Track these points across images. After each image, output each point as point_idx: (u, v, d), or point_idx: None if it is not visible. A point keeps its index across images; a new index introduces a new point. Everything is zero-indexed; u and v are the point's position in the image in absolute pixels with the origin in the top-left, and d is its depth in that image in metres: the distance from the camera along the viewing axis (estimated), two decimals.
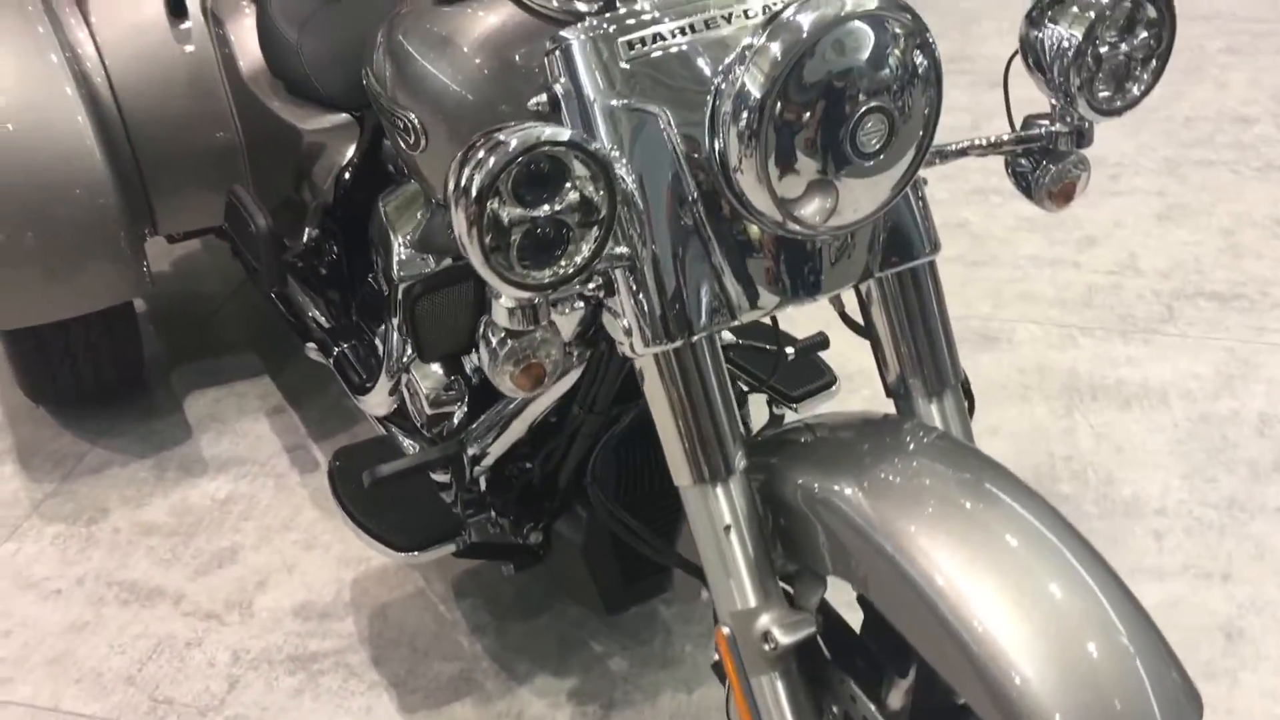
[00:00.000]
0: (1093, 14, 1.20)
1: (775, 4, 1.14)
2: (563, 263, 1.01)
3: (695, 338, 1.16)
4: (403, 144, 1.41)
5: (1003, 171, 1.36)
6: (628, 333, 1.16)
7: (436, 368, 1.72)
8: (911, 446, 1.19)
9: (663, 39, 1.11)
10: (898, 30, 1.08)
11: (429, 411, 1.70)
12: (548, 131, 0.96)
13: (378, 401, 1.83)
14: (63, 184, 1.97)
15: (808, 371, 1.94)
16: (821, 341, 1.84)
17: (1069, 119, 1.27)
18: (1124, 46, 1.25)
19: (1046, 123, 1.29)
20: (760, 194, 1.07)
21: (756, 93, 1.04)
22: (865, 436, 1.22)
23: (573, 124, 1.12)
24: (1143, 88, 1.27)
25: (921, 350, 1.30)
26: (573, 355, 1.35)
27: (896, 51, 1.08)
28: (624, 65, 1.11)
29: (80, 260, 2.00)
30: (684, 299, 1.15)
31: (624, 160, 1.11)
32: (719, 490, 1.19)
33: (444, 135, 1.35)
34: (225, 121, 2.17)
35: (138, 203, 2.13)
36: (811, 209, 1.10)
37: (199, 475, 2.20)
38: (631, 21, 1.12)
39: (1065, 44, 1.21)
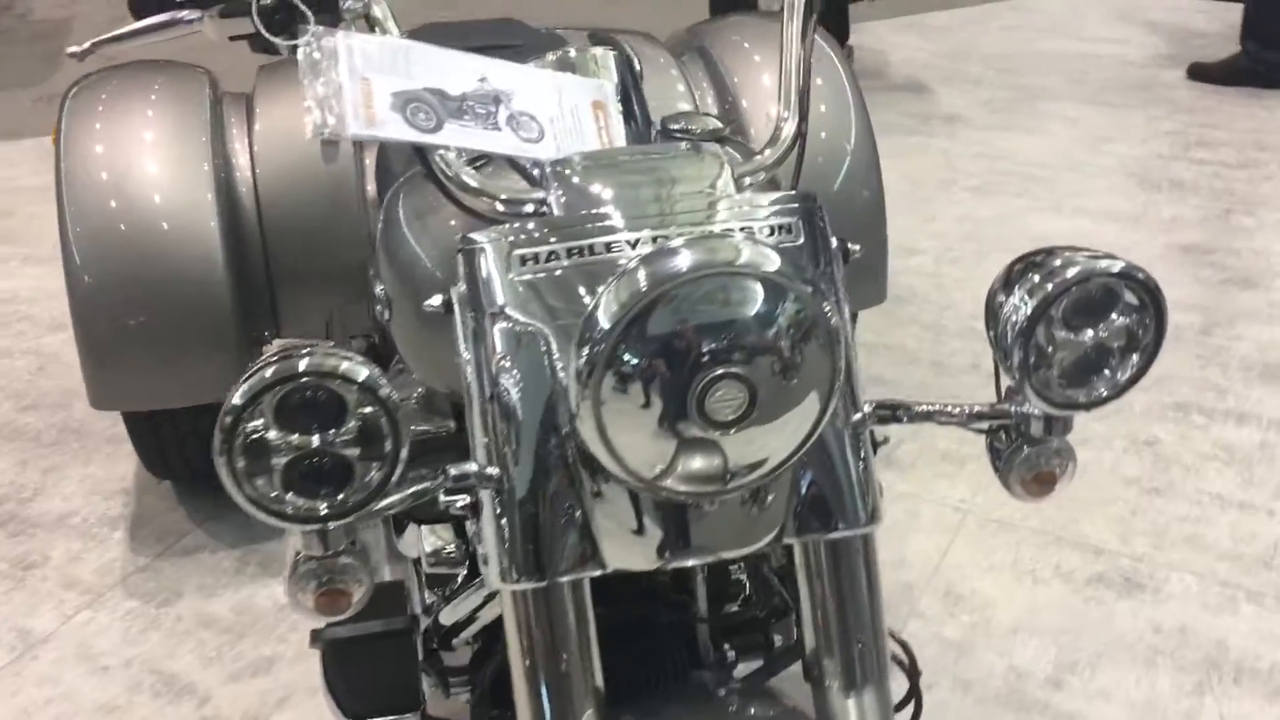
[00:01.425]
0: (1050, 286, 1.02)
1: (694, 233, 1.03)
2: (340, 496, 0.93)
3: (557, 581, 1.05)
4: (375, 311, 1.38)
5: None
6: (484, 561, 1.06)
7: (444, 528, 1.66)
8: None
9: (556, 257, 1.03)
10: (789, 296, 0.95)
11: (427, 571, 1.65)
12: (336, 364, 0.90)
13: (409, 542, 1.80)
14: (186, 282, 2.08)
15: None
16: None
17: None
18: (1091, 333, 1.05)
19: (1021, 399, 1.10)
20: (597, 445, 0.96)
21: (603, 326, 0.93)
22: None
23: (464, 330, 1.06)
24: (1115, 386, 1.06)
25: (845, 633, 1.13)
26: None
27: (781, 317, 0.95)
28: (514, 278, 1.03)
29: (194, 354, 2.10)
30: (549, 537, 1.04)
31: (512, 374, 1.03)
32: None
33: (401, 311, 1.31)
34: (359, 241, 2.23)
35: (258, 307, 2.21)
36: (656, 470, 0.97)
37: (274, 575, 2.23)
38: (538, 234, 1.04)
39: (1016, 318, 1.03)
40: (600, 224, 1.04)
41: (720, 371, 0.92)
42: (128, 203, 2.10)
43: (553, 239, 1.03)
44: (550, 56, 1.29)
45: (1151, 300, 1.04)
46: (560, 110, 1.21)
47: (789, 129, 1.21)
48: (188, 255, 2.09)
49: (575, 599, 1.08)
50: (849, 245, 1.16)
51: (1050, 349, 1.05)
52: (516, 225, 1.05)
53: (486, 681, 1.58)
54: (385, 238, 1.35)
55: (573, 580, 1.06)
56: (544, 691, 1.07)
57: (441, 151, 1.13)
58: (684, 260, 0.93)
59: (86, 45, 1.16)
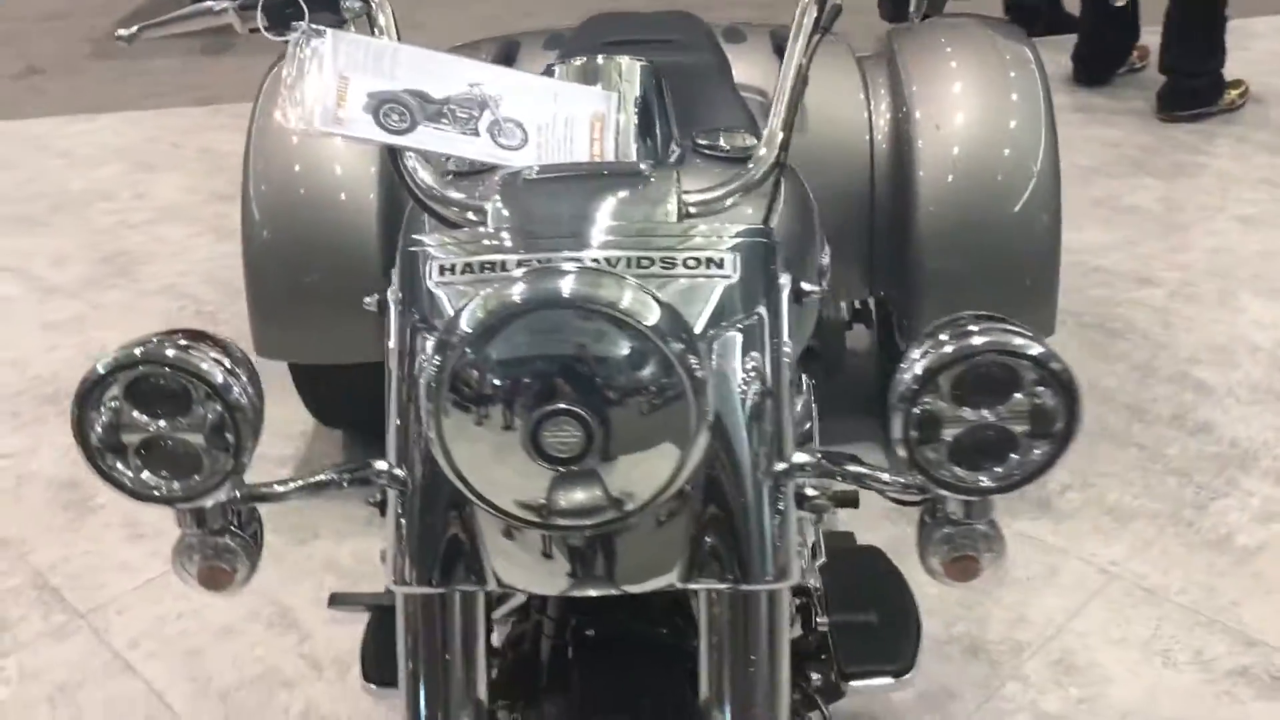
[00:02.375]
0: (939, 354, 0.92)
1: (605, 260, 1.00)
2: (196, 477, 0.97)
3: (447, 590, 1.06)
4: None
5: None
6: (383, 559, 1.08)
7: None
8: None
9: (470, 270, 1.02)
10: (643, 341, 0.90)
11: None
12: (180, 356, 0.93)
13: None
14: (352, 248, 2.19)
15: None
16: None
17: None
18: (988, 413, 0.93)
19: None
20: (443, 463, 0.95)
21: (452, 344, 0.92)
22: None
23: (398, 331, 1.07)
24: (1014, 476, 0.94)
25: (736, 691, 1.07)
26: None
27: (630, 361, 0.90)
28: (430, 286, 1.04)
29: (354, 315, 2.20)
30: (443, 546, 1.05)
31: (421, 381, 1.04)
32: None
33: None
34: None
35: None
36: (502, 497, 0.95)
37: None
38: (455, 245, 1.04)
39: (902, 384, 0.93)
40: (522, 241, 1.02)
41: (556, 406, 0.90)
42: (309, 170, 2.24)
43: (467, 251, 1.02)
44: (575, 63, 1.28)
45: (1062, 389, 0.92)
46: (553, 119, 1.20)
47: (764, 158, 1.14)
48: (355, 223, 2.21)
49: (465, 610, 1.08)
50: (803, 285, 1.09)
51: (940, 423, 0.94)
52: (451, 234, 1.06)
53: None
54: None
55: (464, 592, 1.07)
56: (422, 695, 1.08)
57: (411, 154, 1.15)
58: (533, 290, 0.90)
59: (134, 29, 1.26)
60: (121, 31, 1.26)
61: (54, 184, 4.20)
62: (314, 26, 1.15)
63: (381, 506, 1.08)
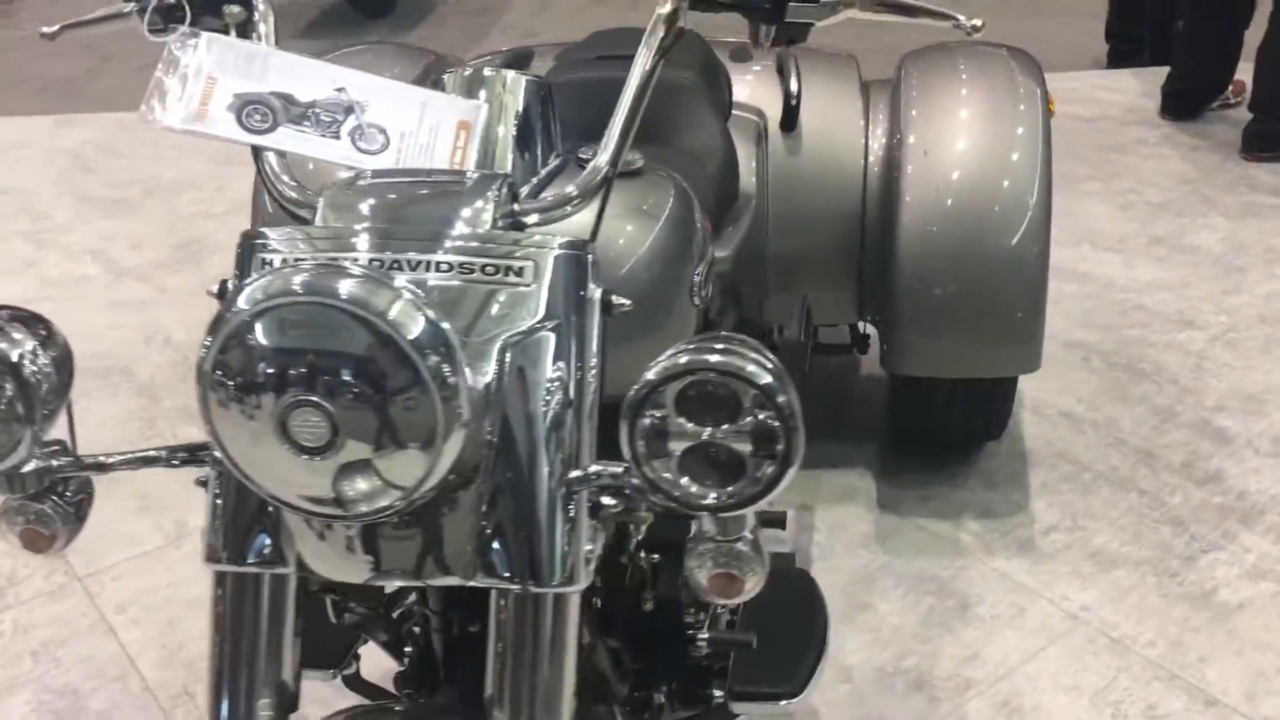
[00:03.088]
0: (666, 367, 0.93)
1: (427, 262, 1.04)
2: None
3: (255, 572, 1.11)
4: None
5: None
6: (204, 534, 1.14)
7: None
8: None
9: (286, 265, 1.07)
10: (391, 344, 0.93)
11: None
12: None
13: None
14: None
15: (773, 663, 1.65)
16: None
17: None
18: (714, 431, 0.93)
19: None
20: (217, 447, 1.00)
21: (217, 329, 0.96)
22: None
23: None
24: (746, 492, 0.94)
25: (517, 694, 1.10)
26: None
27: (377, 361, 0.94)
28: (252, 277, 1.09)
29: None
30: (252, 527, 1.10)
31: None
32: None
33: None
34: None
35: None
36: (268, 481, 0.99)
37: None
38: (273, 242, 1.09)
39: (631, 397, 0.95)
40: (335, 241, 1.07)
41: (300, 397, 0.94)
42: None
43: (287, 247, 1.07)
44: (462, 74, 1.31)
45: (779, 415, 0.92)
46: (418, 126, 1.24)
47: (594, 171, 1.16)
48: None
49: (274, 592, 1.13)
50: (614, 299, 1.11)
51: (667, 437, 0.95)
52: (284, 230, 1.11)
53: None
54: None
55: (273, 574, 1.12)
56: (225, 674, 1.13)
57: (270, 153, 1.21)
58: (296, 283, 0.94)
59: (57, 27, 1.35)
60: (45, 29, 1.36)
61: (150, 172, 4.43)
62: (192, 30, 1.22)
63: (204, 484, 1.13)
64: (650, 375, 0.95)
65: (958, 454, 2.50)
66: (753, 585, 1.05)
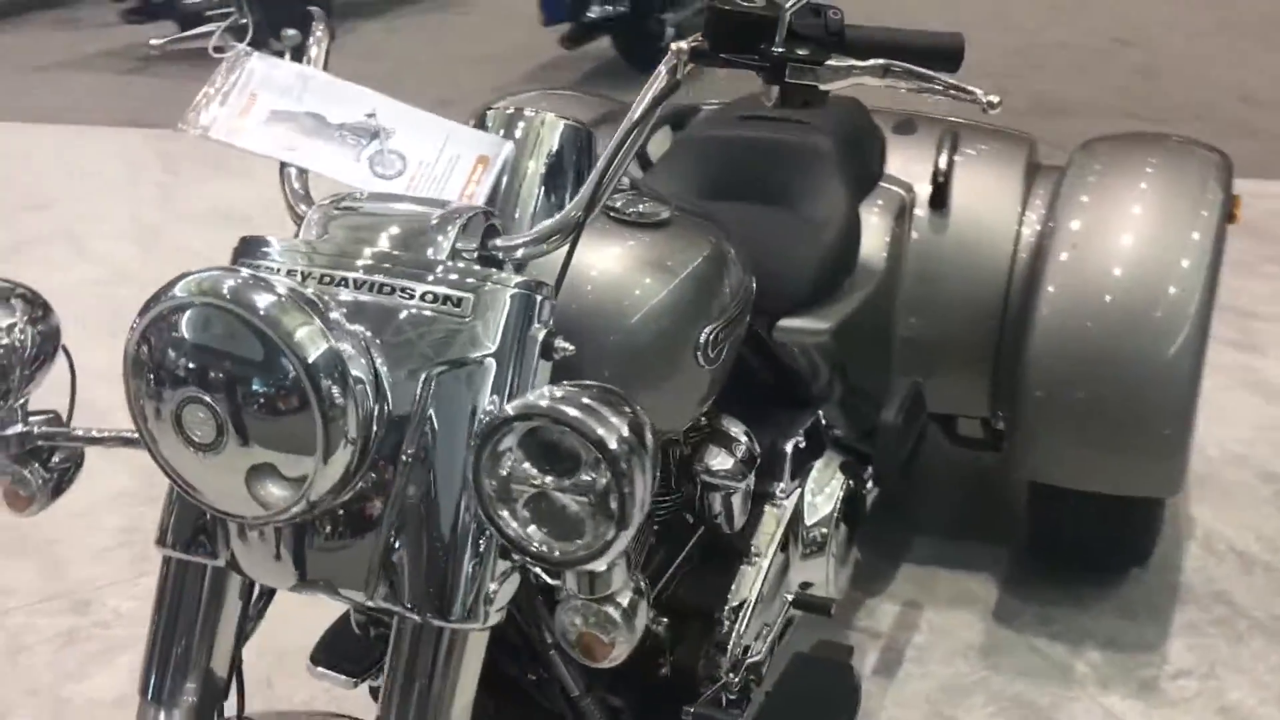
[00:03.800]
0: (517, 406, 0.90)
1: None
2: None
3: (194, 561, 1.16)
4: None
5: None
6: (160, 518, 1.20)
7: None
8: None
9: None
10: (280, 353, 0.96)
11: None
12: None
13: None
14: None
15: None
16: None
17: None
18: (553, 481, 0.89)
19: None
20: (137, 424, 1.04)
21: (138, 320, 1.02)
22: None
23: None
24: (585, 549, 0.89)
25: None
26: None
27: (264, 369, 0.96)
28: None
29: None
30: (200, 520, 1.15)
31: None
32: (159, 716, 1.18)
33: None
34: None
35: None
36: (181, 473, 1.03)
37: None
38: (258, 250, 1.14)
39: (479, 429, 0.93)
40: (297, 253, 1.11)
41: (190, 392, 0.97)
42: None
43: (263, 256, 1.12)
44: (505, 111, 1.33)
45: (614, 474, 0.87)
46: (437, 157, 1.28)
47: (566, 218, 1.15)
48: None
49: (213, 584, 1.17)
50: (557, 342, 1.09)
51: (510, 481, 0.92)
52: (276, 240, 1.16)
53: None
54: None
55: (213, 567, 1.16)
56: (156, 655, 1.18)
57: (292, 168, 1.27)
58: (213, 286, 0.98)
59: (165, 40, 1.47)
60: (154, 41, 1.48)
61: None
62: (246, 49, 1.30)
63: None
64: (509, 410, 0.93)
65: (1096, 576, 2.30)
66: (620, 652, 1.01)
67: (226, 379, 0.97)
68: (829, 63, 1.14)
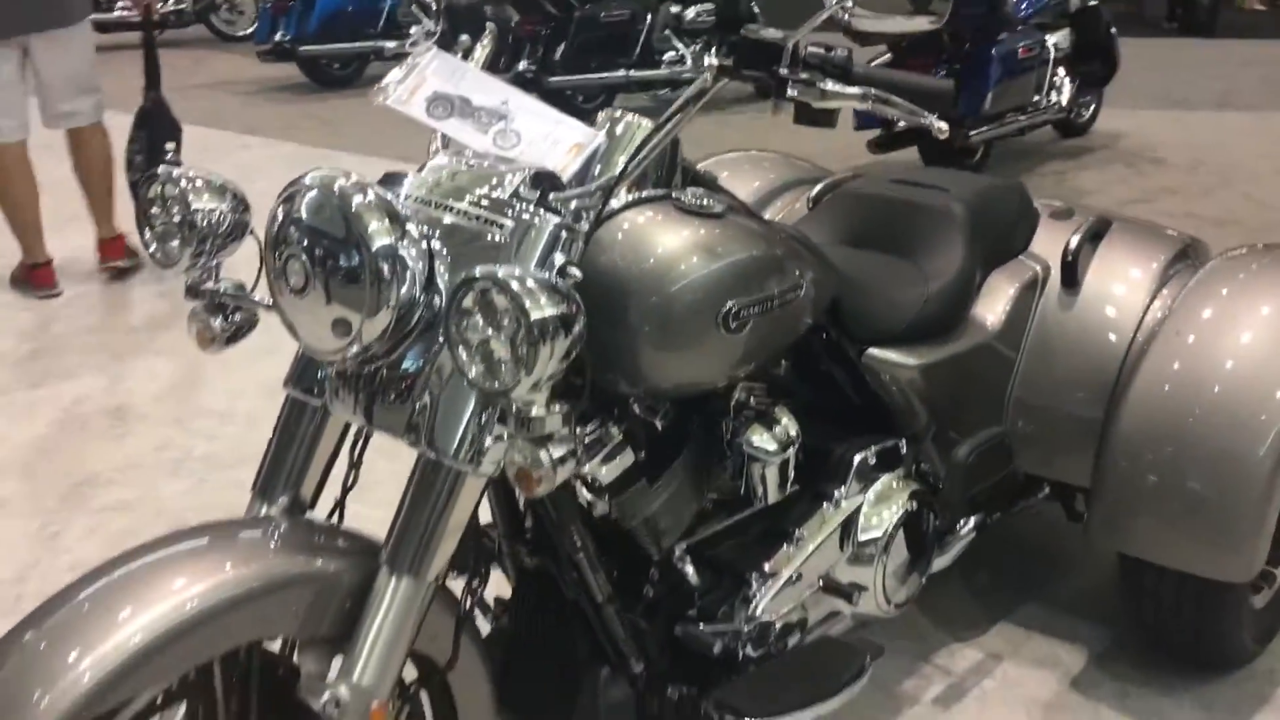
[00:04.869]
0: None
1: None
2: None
3: (299, 398, 1.57)
4: None
5: None
6: None
7: None
8: None
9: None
10: (360, 239, 1.34)
11: None
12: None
13: None
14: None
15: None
16: None
17: None
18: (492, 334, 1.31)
19: None
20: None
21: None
22: None
23: None
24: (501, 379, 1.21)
25: (404, 546, 1.43)
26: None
27: (343, 245, 1.35)
28: None
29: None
30: (310, 366, 1.56)
31: None
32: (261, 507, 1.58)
33: None
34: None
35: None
36: (287, 317, 1.44)
37: None
38: (387, 178, 1.56)
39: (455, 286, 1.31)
40: (412, 181, 1.52)
41: (293, 250, 1.37)
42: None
43: (387, 182, 1.53)
44: (614, 114, 1.69)
45: (526, 329, 1.20)
46: (545, 137, 1.65)
47: (603, 182, 1.49)
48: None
49: (315, 420, 1.57)
50: (571, 270, 1.42)
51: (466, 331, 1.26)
52: (400, 170, 1.58)
53: None
54: None
55: (312, 405, 1.56)
56: (265, 469, 1.59)
57: (438, 133, 1.67)
58: (319, 188, 1.39)
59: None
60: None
61: None
62: (431, 47, 1.73)
63: None
64: (474, 272, 1.28)
65: (1188, 669, 2.33)
66: (544, 489, 1.32)
67: (317, 242, 1.37)
68: (821, 86, 1.43)
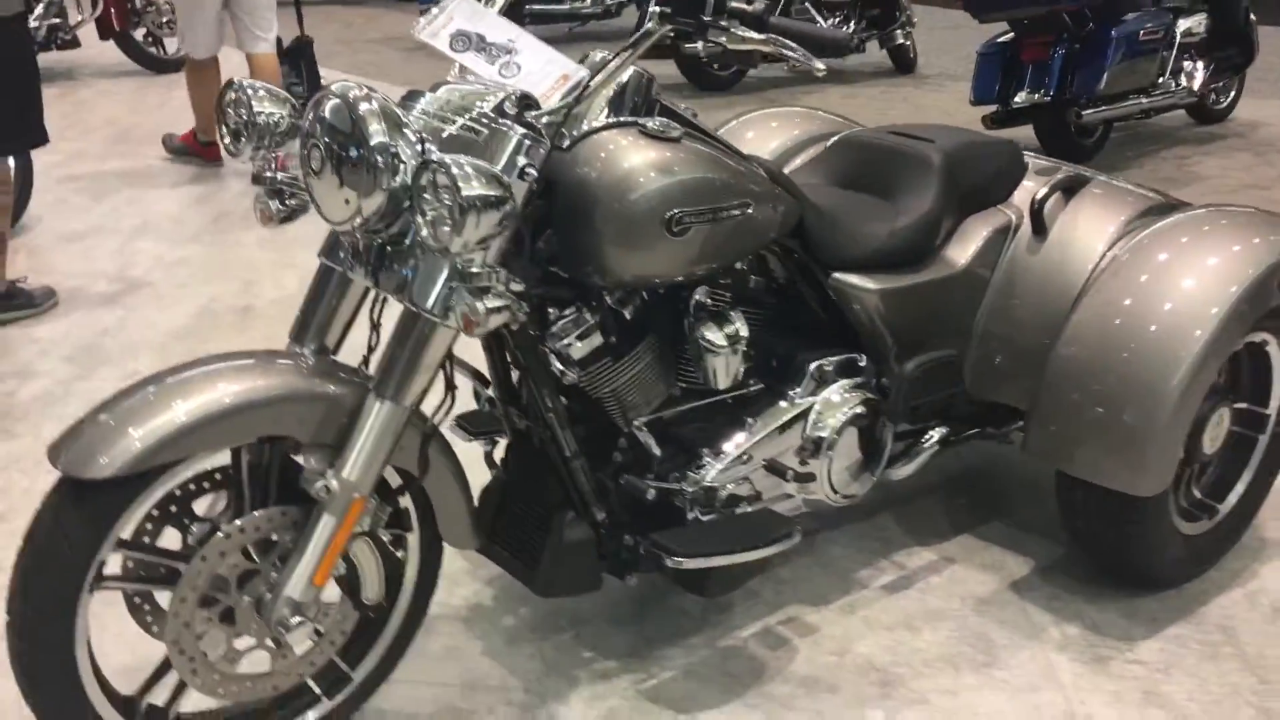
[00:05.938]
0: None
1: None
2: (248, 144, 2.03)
3: (324, 264, 2.01)
4: None
5: None
6: None
7: None
8: None
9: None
10: (366, 135, 1.76)
11: None
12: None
13: None
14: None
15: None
16: None
17: None
18: (440, 201, 1.66)
19: None
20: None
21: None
22: None
23: None
24: (440, 237, 1.63)
25: (388, 378, 1.87)
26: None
27: (357, 140, 1.77)
28: None
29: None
30: (336, 238, 2.01)
31: None
32: (295, 348, 2.04)
33: None
34: None
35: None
36: (312, 194, 1.87)
37: None
38: (408, 95, 1.99)
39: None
40: (425, 99, 1.95)
41: (314, 140, 1.80)
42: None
43: (408, 98, 1.96)
44: (606, 55, 2.07)
45: (455, 199, 1.60)
46: (539, 69, 2.04)
47: (564, 103, 1.88)
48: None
49: (339, 286, 2.01)
50: (526, 168, 1.82)
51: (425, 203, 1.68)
52: (416, 89, 2.00)
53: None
54: None
55: (337, 272, 2.00)
56: (298, 323, 2.04)
57: (458, 62, 2.08)
58: (336, 96, 1.81)
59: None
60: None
61: None
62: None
63: None
64: (429, 156, 1.69)
65: (1124, 585, 2.59)
66: (481, 331, 1.73)
67: (331, 137, 1.80)
68: (735, 31, 1.79)
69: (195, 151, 5.92)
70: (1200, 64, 6.85)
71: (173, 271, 4.44)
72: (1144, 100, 6.52)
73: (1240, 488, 2.69)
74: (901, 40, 8.73)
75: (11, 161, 3.90)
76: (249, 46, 5.61)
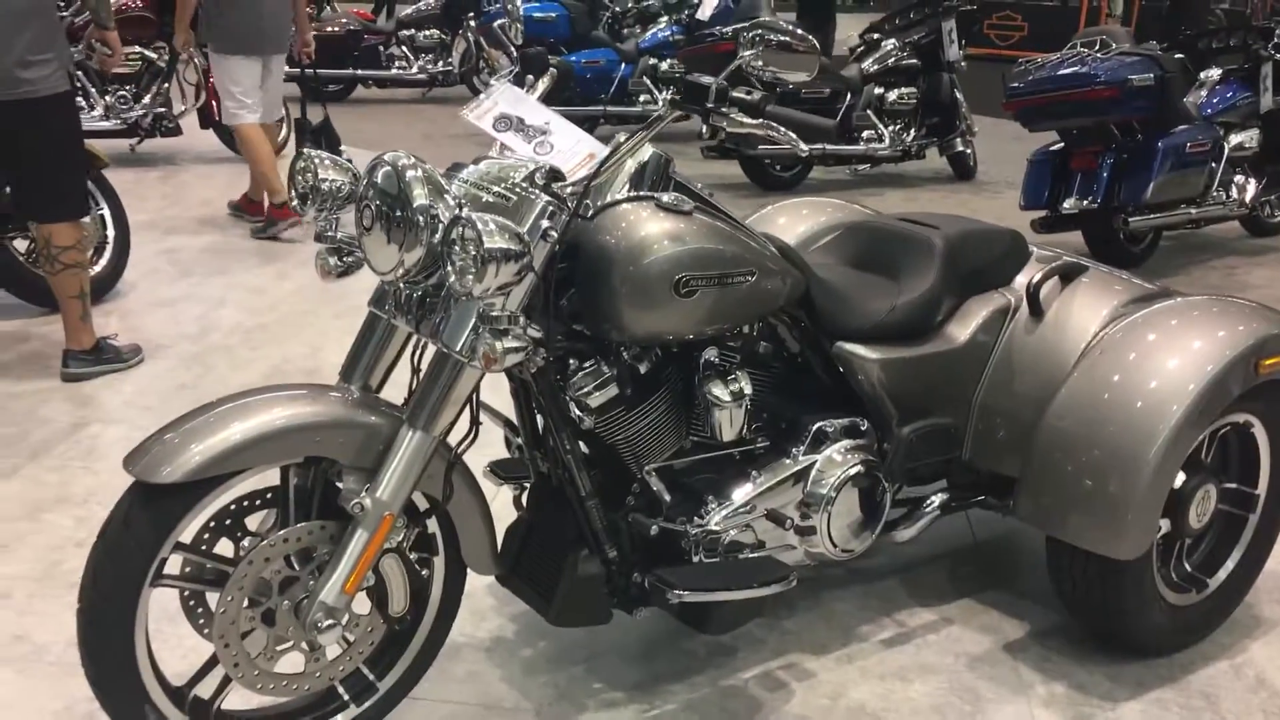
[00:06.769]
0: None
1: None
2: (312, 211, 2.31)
3: (372, 312, 2.28)
4: None
5: None
6: None
7: None
8: None
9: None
10: (411, 204, 2.04)
11: None
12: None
13: None
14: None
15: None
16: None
17: None
18: (468, 254, 1.88)
19: None
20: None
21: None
22: None
23: None
24: (466, 283, 1.87)
25: (420, 411, 2.11)
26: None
27: (405, 208, 2.04)
28: None
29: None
30: (381, 290, 2.28)
31: None
32: (344, 384, 2.30)
33: None
34: None
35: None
36: (364, 249, 2.14)
37: None
38: (449, 170, 2.26)
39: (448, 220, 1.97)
40: (467, 170, 2.22)
41: (368, 201, 2.08)
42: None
43: (451, 169, 2.24)
44: (631, 140, 2.34)
45: (479, 252, 1.85)
46: (569, 148, 2.31)
47: (585, 180, 2.14)
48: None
49: (385, 334, 2.27)
50: (548, 230, 2.08)
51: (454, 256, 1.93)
52: (460, 163, 2.28)
53: None
54: None
55: (382, 320, 2.27)
56: (350, 360, 2.30)
57: (500, 140, 2.36)
58: (388, 164, 2.09)
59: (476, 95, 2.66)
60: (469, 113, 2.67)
61: None
62: (505, 81, 2.43)
63: None
64: (458, 212, 1.94)
65: (1115, 651, 2.72)
66: (499, 368, 1.97)
67: (381, 199, 2.07)
68: (733, 116, 2.04)
69: (269, 215, 6.35)
70: (1252, 178, 7.00)
71: (250, 336, 4.77)
72: (1192, 210, 6.67)
73: (1230, 564, 2.82)
74: (961, 148, 8.96)
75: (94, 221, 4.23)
76: (272, 116, 6.39)
